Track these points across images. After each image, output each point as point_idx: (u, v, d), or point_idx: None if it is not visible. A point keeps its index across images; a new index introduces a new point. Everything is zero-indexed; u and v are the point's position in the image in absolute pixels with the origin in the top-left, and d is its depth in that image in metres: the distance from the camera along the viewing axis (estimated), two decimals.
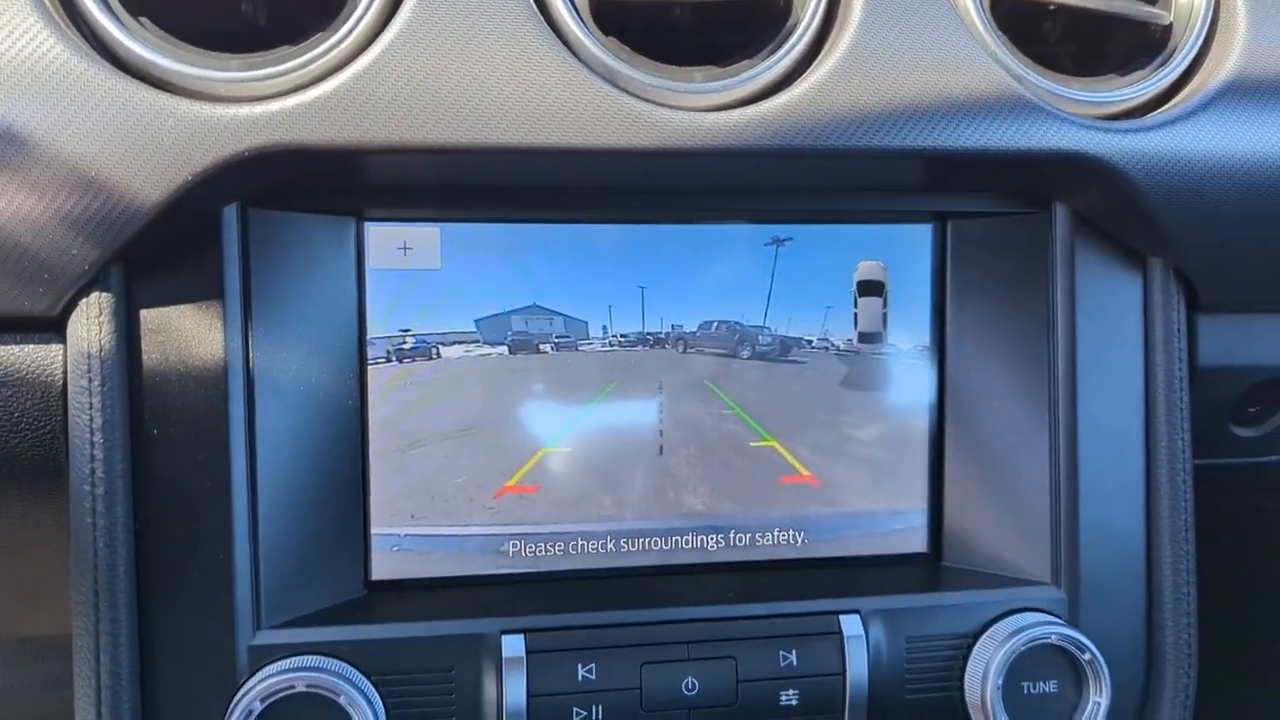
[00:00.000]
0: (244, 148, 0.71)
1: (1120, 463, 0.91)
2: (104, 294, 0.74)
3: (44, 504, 0.82)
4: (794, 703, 0.83)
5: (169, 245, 0.76)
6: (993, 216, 0.91)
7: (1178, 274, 0.91)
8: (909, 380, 0.93)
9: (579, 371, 0.88)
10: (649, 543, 0.90)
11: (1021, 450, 0.91)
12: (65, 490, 0.76)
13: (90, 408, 0.74)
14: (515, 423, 0.87)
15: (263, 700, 0.75)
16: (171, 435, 0.77)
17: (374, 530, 0.86)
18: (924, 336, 0.93)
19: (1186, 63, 0.86)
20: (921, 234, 0.92)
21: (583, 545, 0.89)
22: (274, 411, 0.79)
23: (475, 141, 0.73)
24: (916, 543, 0.95)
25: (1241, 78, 0.85)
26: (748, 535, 0.91)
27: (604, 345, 0.88)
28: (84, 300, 0.75)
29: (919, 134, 0.79)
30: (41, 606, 0.94)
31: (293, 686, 0.75)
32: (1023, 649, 0.84)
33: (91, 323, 0.74)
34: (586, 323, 0.88)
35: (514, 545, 0.88)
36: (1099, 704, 0.85)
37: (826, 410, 0.92)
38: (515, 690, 0.79)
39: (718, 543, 0.91)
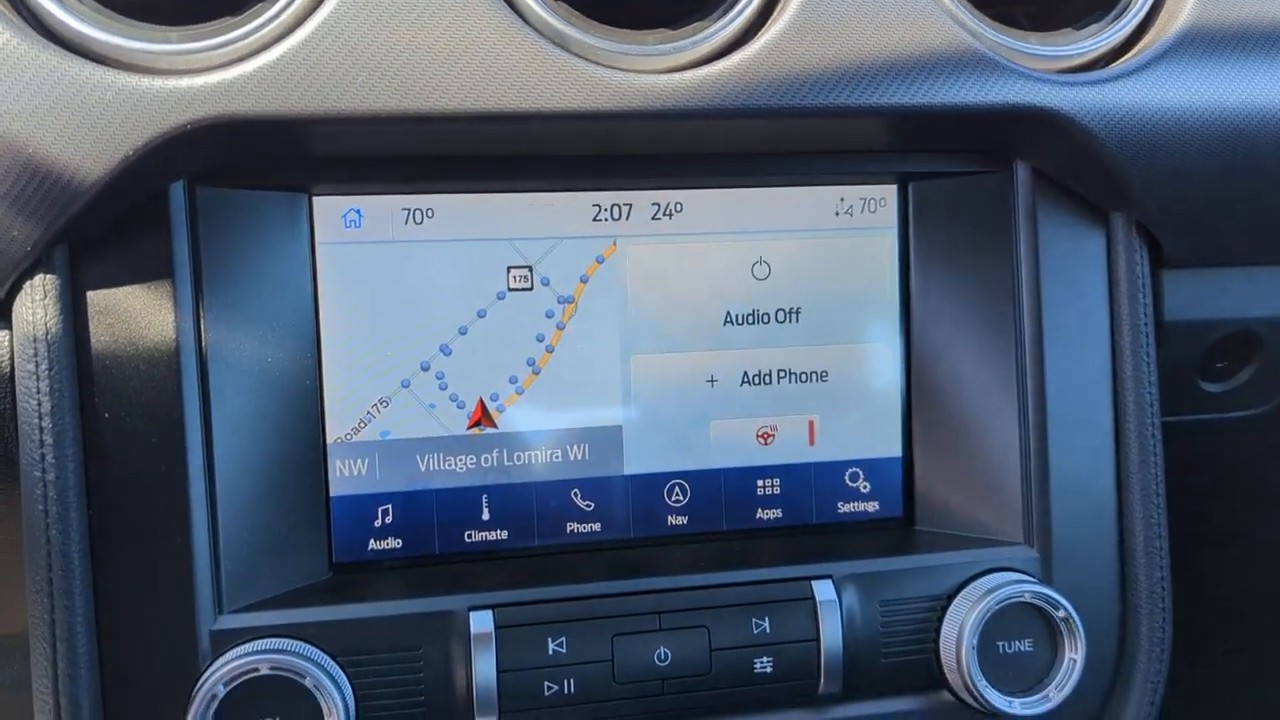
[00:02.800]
0: (185, 120, 0.69)
1: (1089, 420, 0.90)
2: (48, 276, 0.73)
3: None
4: (768, 670, 0.82)
5: (114, 224, 0.74)
6: (954, 177, 0.91)
7: (1140, 229, 0.90)
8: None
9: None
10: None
11: (990, 410, 0.91)
12: (17, 480, 0.75)
13: (38, 392, 0.73)
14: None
15: (226, 685, 0.73)
16: (123, 418, 0.75)
17: (335, 510, 0.85)
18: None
19: (1141, 15, 0.86)
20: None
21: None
22: (229, 392, 0.78)
23: (422, 108, 0.72)
24: (888, 508, 0.94)
25: (1196, 28, 0.85)
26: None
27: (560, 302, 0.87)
28: (28, 283, 0.73)
29: (876, 92, 0.78)
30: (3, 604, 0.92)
31: (257, 669, 0.74)
32: (996, 608, 0.83)
33: (37, 306, 0.73)
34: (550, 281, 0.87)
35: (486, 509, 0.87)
36: (1074, 660, 0.84)
37: None
38: (485, 667, 0.78)
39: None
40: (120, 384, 0.75)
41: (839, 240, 0.92)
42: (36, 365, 0.73)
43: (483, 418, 0.87)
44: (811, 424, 0.93)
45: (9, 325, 0.74)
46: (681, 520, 0.91)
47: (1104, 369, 0.91)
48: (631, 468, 0.90)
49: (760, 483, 0.92)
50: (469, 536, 0.88)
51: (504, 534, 0.88)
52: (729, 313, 0.90)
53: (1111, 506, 0.90)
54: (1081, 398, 0.90)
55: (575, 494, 0.89)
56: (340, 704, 0.74)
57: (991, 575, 0.86)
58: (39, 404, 0.73)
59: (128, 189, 0.72)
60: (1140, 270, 0.90)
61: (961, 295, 0.92)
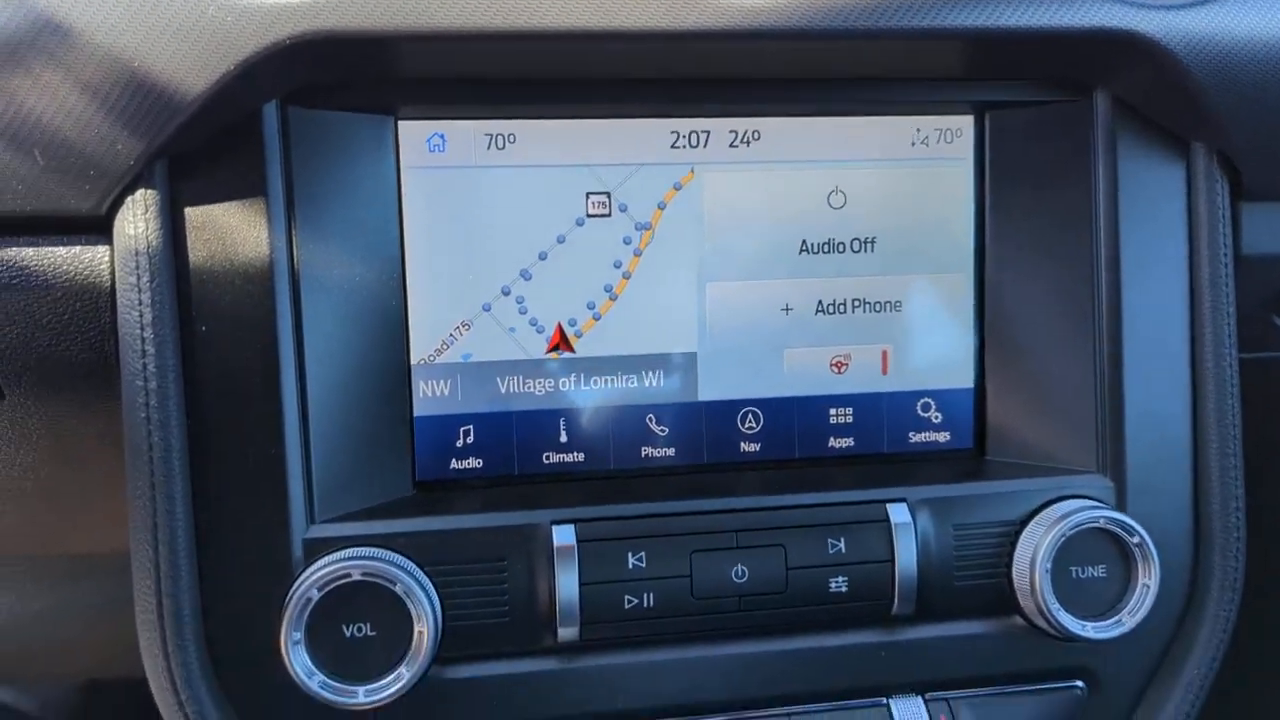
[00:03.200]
0: (284, 35, 0.71)
1: (1165, 351, 0.90)
2: (149, 190, 0.75)
3: (97, 412, 0.83)
4: (843, 589, 0.83)
5: (210, 143, 0.76)
6: (1032, 106, 0.90)
7: (1222, 159, 0.89)
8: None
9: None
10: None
11: (1064, 341, 0.91)
12: (118, 397, 0.77)
13: (140, 304, 0.75)
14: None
15: (320, 589, 0.76)
16: (220, 331, 0.77)
17: (419, 429, 0.87)
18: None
19: None
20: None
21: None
22: (320, 309, 0.80)
23: (508, 26, 0.73)
24: (959, 438, 0.94)
25: None
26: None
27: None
28: (129, 198, 0.75)
29: (960, 13, 0.78)
30: (98, 522, 0.95)
31: (349, 575, 0.76)
32: (1071, 533, 0.84)
33: (138, 220, 0.75)
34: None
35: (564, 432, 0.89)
36: (1148, 587, 0.85)
37: None
38: (567, 579, 0.80)
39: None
40: (217, 297, 0.77)
41: (915, 170, 0.92)
42: (138, 278, 0.75)
43: (561, 342, 0.89)
44: (885, 354, 0.93)
45: (109, 240, 0.76)
46: (754, 447, 0.92)
47: (1181, 300, 0.91)
48: (706, 394, 0.91)
49: (833, 411, 0.93)
50: (547, 458, 0.89)
51: (580, 456, 0.90)
52: (805, 241, 0.91)
53: (1186, 438, 0.90)
54: (1158, 329, 0.90)
55: (650, 419, 0.90)
56: (430, 610, 0.77)
57: (1065, 502, 0.86)
58: (140, 315, 0.75)
59: (226, 106, 0.73)
60: (1220, 201, 0.90)
61: (1037, 225, 0.92)
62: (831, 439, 0.93)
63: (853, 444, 0.93)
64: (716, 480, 0.89)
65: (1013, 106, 0.91)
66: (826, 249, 0.91)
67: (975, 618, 0.87)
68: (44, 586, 1.07)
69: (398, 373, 0.86)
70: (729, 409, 0.91)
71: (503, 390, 0.88)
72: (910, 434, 0.94)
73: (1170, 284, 0.91)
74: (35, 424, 0.82)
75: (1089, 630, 0.84)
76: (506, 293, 0.87)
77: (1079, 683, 0.89)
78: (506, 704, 0.81)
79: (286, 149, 0.78)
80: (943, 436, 0.94)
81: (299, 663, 0.75)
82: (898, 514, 0.84)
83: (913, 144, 0.92)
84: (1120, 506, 0.87)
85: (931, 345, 0.94)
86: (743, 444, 0.92)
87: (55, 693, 1.70)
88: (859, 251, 0.92)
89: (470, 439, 0.88)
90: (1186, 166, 0.90)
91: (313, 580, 0.76)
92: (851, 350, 0.93)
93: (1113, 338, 0.88)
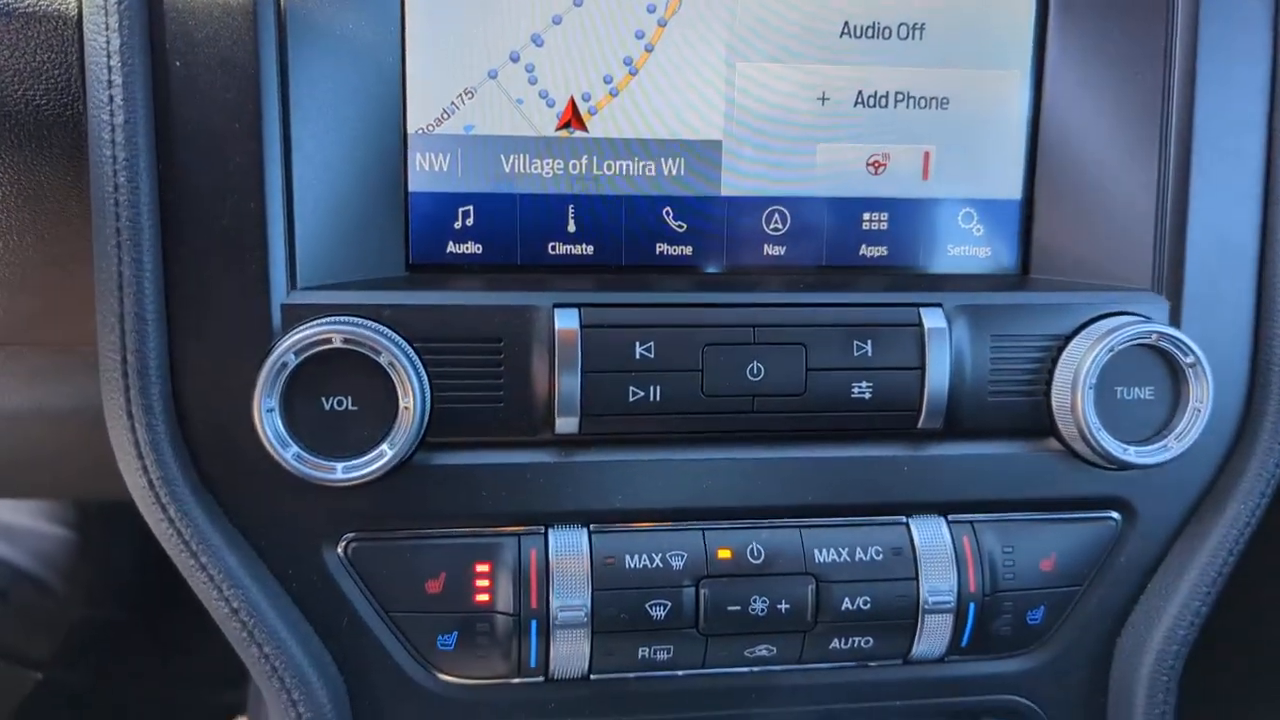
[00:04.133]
0: None
1: (1238, 164, 0.81)
2: None
3: (66, 166, 0.76)
4: (866, 396, 0.77)
5: None
6: None
7: None
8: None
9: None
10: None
11: (1126, 153, 0.82)
12: (85, 148, 0.70)
13: (107, 28, 0.67)
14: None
15: (297, 354, 0.69)
16: (196, 69, 0.70)
17: (414, 206, 0.79)
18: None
19: None
20: None
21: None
22: (307, 53, 0.72)
23: None
24: (1002, 255, 0.87)
25: None
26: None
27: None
28: None
29: None
30: (72, 307, 0.89)
31: (329, 340, 0.70)
32: (1120, 348, 0.77)
33: None
34: None
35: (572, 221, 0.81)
36: (1199, 410, 0.78)
37: None
38: (569, 366, 0.73)
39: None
40: (194, 31, 0.70)
41: None
42: (105, 1, 0.67)
43: (573, 119, 0.81)
44: (927, 155, 0.85)
45: None
46: (779, 250, 0.84)
47: (1259, 117, 0.82)
48: (729, 189, 0.83)
49: (866, 216, 0.85)
50: (553, 249, 0.82)
51: (589, 249, 0.82)
52: (847, 23, 0.82)
53: (1252, 258, 0.82)
54: (1232, 138, 0.81)
55: (667, 212, 0.83)
56: (416, 387, 0.70)
57: (1116, 318, 0.79)
58: (107, 41, 0.67)
59: None
60: None
61: (1105, 21, 0.82)
62: (863, 247, 0.85)
63: (886, 253, 0.86)
64: (735, 279, 0.82)
65: None
66: (870, 33, 0.82)
67: (1007, 438, 0.80)
68: (20, 381, 1.02)
69: (392, 141, 0.78)
70: (754, 206, 0.84)
71: (507, 169, 0.81)
72: (949, 246, 0.86)
73: (1250, 91, 0.82)
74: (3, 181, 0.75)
75: (1131, 454, 0.78)
76: (515, 59, 0.79)
77: (1114, 514, 0.83)
78: (498, 496, 0.75)
79: None
80: (983, 251, 0.87)
81: (272, 431, 0.70)
82: (932, 318, 0.77)
83: None
84: (1175, 325, 0.80)
85: (978, 150, 0.85)
86: (766, 246, 0.84)
87: (44, 542, 1.68)
88: (906, 38, 0.83)
89: (470, 221, 0.81)
90: None
91: (290, 344, 0.69)
92: (891, 149, 0.84)
93: (1182, 145, 0.80)
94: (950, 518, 0.80)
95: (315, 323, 0.70)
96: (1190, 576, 0.82)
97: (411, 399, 0.70)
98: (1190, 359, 0.78)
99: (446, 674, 0.77)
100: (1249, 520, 0.81)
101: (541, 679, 0.77)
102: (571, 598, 0.75)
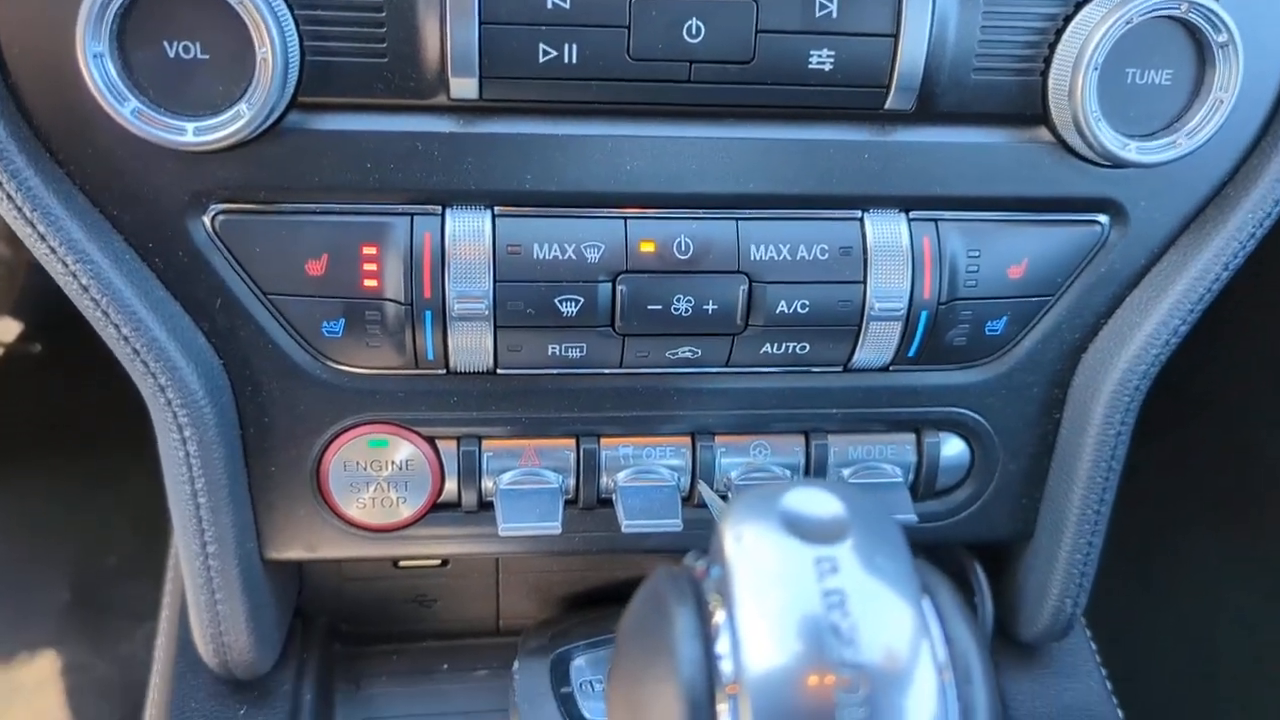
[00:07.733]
0: None
1: None
2: None
3: None
4: (826, 67, 0.64)
5: None
6: None
7: None
8: None
9: None
10: None
11: None
12: None
13: None
14: None
15: None
16: None
17: None
18: None
19: None
20: None
21: None
22: None
23: None
24: None
25: None
26: None
27: None
28: None
29: None
30: None
31: None
32: (1140, 20, 0.63)
33: None
34: None
35: None
36: (1221, 101, 0.66)
37: None
38: (463, 13, 0.61)
39: None
40: None
41: None
42: None
43: None
44: None
45: None
46: None
47: None
48: None
49: None
50: None
51: None
52: None
53: None
54: None
55: None
56: (276, 33, 0.58)
57: None
58: None
59: None
60: None
61: None
62: None
63: None
64: None
65: None
66: None
67: (989, 124, 0.68)
68: None
69: None
70: None
71: None
72: None
73: None
74: None
75: (1132, 150, 0.66)
76: None
77: (1101, 217, 0.72)
78: (385, 168, 0.65)
79: None
80: None
81: (103, 80, 0.58)
82: None
83: None
84: None
85: None
86: None
87: None
88: None
89: None
90: None
91: None
92: None
93: None
94: (912, 214, 0.70)
95: None
96: (1175, 291, 0.72)
97: (270, 48, 0.58)
98: (1223, 36, 0.64)
99: (337, 362, 0.70)
100: (1253, 232, 0.71)
101: (443, 371, 0.71)
102: (470, 287, 0.66)
